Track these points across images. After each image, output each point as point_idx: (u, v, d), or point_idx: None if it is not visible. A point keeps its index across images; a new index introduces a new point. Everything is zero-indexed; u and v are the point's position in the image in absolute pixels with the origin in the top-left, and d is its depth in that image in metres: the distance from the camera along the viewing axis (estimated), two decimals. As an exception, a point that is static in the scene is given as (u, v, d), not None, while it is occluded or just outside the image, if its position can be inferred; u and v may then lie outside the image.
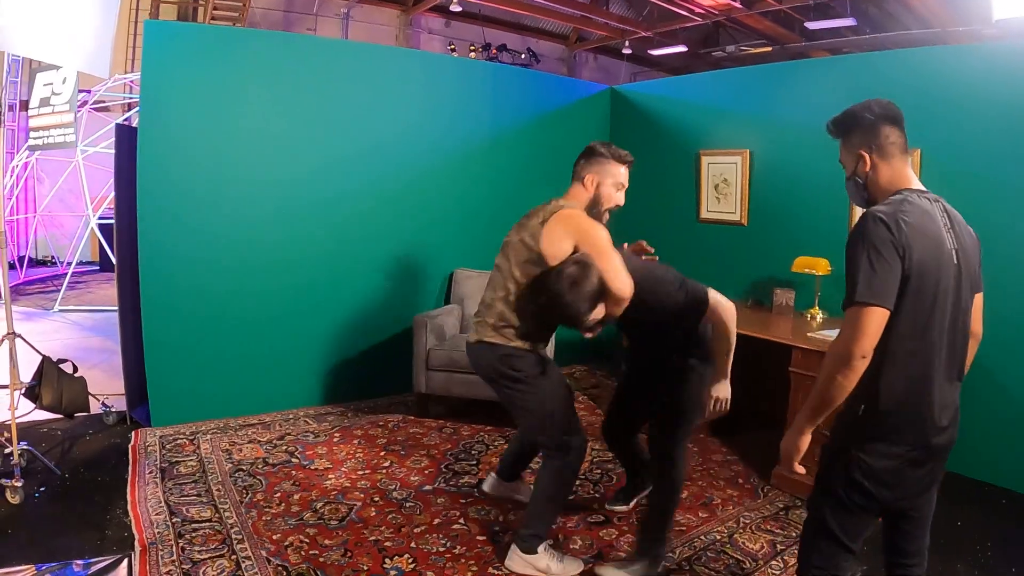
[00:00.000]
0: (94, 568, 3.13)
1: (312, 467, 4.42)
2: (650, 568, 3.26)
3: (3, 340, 4.30)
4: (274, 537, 3.52)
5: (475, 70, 6.56)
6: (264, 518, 3.71)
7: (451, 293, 6.06)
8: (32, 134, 9.44)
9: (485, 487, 4.02)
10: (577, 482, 4.25)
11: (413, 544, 3.52)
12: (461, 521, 3.79)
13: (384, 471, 4.40)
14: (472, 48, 16.31)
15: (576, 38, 18.74)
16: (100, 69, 4.51)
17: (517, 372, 3.26)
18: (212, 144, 4.92)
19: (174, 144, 4.77)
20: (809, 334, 4.34)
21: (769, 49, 15.96)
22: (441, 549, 3.49)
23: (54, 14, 4.14)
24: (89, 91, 10.70)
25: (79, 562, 3.18)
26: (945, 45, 7.90)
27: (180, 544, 3.40)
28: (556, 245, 3.10)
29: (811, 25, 13.80)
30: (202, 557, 3.30)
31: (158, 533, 3.49)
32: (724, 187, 5.87)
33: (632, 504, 3.97)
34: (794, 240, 5.26)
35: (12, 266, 11.46)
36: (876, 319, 2.00)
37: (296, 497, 3.99)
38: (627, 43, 17.13)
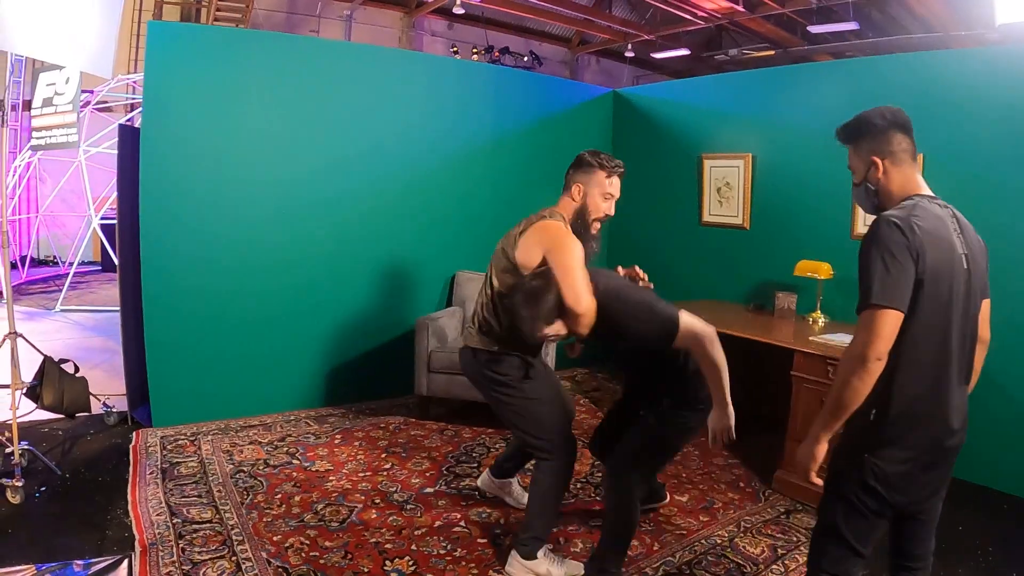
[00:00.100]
0: (94, 568, 3.13)
1: (313, 469, 4.42)
2: None
3: (5, 340, 4.30)
4: (275, 538, 3.51)
5: (477, 72, 6.57)
6: (265, 519, 3.71)
7: (453, 295, 6.05)
8: (35, 134, 9.45)
9: (479, 482, 4.08)
10: (578, 485, 4.27)
11: (414, 546, 3.52)
12: (462, 524, 3.78)
13: (385, 473, 4.40)
14: (474, 51, 16.31)
15: (579, 41, 18.74)
16: (103, 69, 4.51)
17: (500, 376, 3.31)
18: (215, 145, 4.92)
19: (177, 145, 4.78)
20: (811, 338, 4.34)
21: (772, 53, 15.97)
22: (442, 552, 3.49)
23: (57, 14, 4.14)
24: (92, 91, 10.70)
25: (79, 562, 3.18)
26: (948, 49, 7.91)
27: (180, 545, 3.40)
28: (527, 255, 3.14)
29: (814, 29, 13.80)
30: (202, 558, 3.29)
31: (158, 534, 3.49)
32: (726, 191, 5.86)
33: (667, 499, 3.98)
34: (796, 244, 5.26)
35: (14, 266, 11.46)
36: (891, 321, 2.01)
37: (297, 499, 3.98)
38: (630, 46, 17.12)
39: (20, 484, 3.78)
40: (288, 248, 5.23)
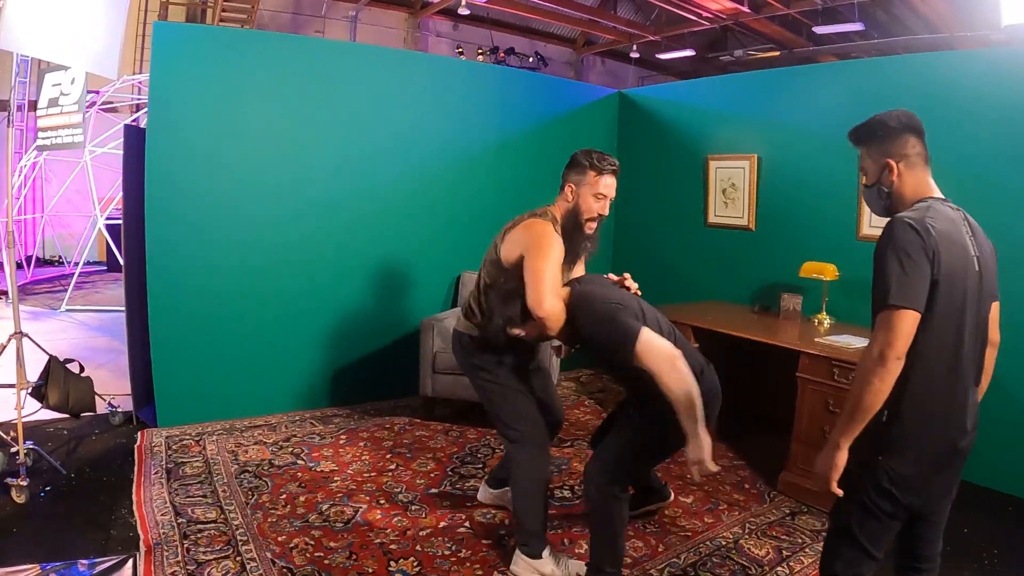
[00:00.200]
0: (99, 568, 3.13)
1: (318, 469, 4.42)
2: None
3: (10, 339, 4.30)
4: (279, 539, 3.52)
5: (483, 73, 6.56)
6: (269, 519, 3.71)
7: (458, 296, 6.05)
8: (40, 134, 9.48)
9: (479, 496, 4.06)
10: (582, 486, 4.26)
11: (418, 547, 3.52)
12: (467, 524, 3.78)
13: (390, 474, 4.40)
14: (480, 51, 16.31)
15: (584, 42, 18.73)
16: (109, 70, 4.51)
17: (479, 361, 3.41)
18: (220, 145, 4.92)
19: (182, 145, 4.78)
20: (816, 339, 4.33)
21: (777, 53, 15.95)
22: (446, 552, 3.49)
23: (63, 15, 4.15)
24: (97, 92, 10.73)
25: (84, 562, 3.18)
26: (953, 50, 7.90)
27: (185, 545, 3.40)
28: (510, 251, 3.20)
29: (819, 29, 13.78)
30: (207, 558, 3.30)
31: (163, 533, 3.49)
32: (732, 192, 5.86)
33: (639, 511, 3.88)
34: (802, 245, 5.25)
35: (19, 266, 11.50)
36: (909, 321, 2.02)
37: (302, 499, 3.98)
38: (635, 47, 17.12)
39: (25, 483, 3.79)
40: (293, 249, 5.23)
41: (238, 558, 3.31)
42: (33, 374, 4.46)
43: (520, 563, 3.32)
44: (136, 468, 4.29)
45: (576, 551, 3.53)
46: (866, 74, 5.04)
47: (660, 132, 6.55)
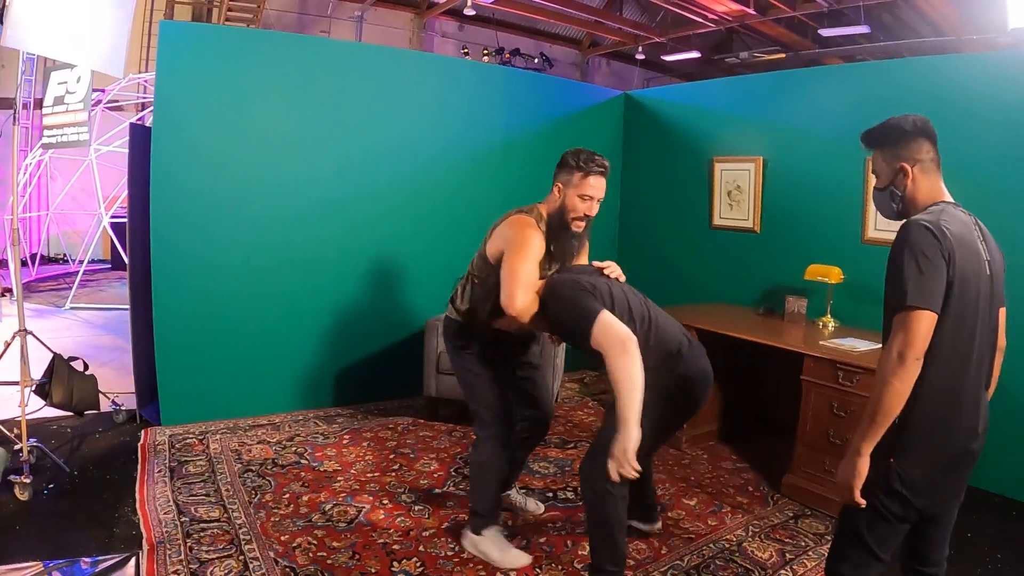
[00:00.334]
0: (102, 566, 3.13)
1: (321, 469, 4.42)
2: None
3: (14, 337, 4.31)
4: (282, 538, 3.51)
5: (488, 74, 6.56)
6: (272, 519, 3.71)
7: (461, 296, 6.03)
8: (46, 132, 9.48)
9: None
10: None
11: (421, 547, 3.51)
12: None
13: (393, 474, 4.40)
14: (485, 52, 16.31)
15: (589, 43, 18.74)
16: (115, 69, 4.52)
17: (455, 343, 3.55)
18: (225, 145, 4.93)
19: (187, 144, 4.78)
20: (821, 342, 4.31)
21: (782, 56, 15.95)
22: (449, 553, 3.48)
23: (69, 13, 4.15)
24: (103, 90, 10.74)
25: (87, 560, 3.17)
26: (959, 53, 7.88)
27: (188, 544, 3.40)
28: (494, 246, 3.30)
29: (825, 32, 13.77)
30: (210, 557, 3.29)
31: (166, 532, 3.49)
32: (737, 194, 5.85)
33: (659, 525, 3.79)
34: (807, 248, 5.24)
35: (24, 263, 11.51)
36: (927, 322, 2.02)
37: (305, 498, 3.98)
38: (640, 48, 17.12)
39: (28, 481, 3.79)
40: (298, 248, 5.23)
41: (241, 557, 3.31)
42: (37, 372, 4.47)
43: (467, 537, 3.52)
44: (139, 466, 4.29)
45: (580, 552, 3.52)
46: (872, 77, 5.03)
47: (665, 134, 6.54)
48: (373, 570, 3.28)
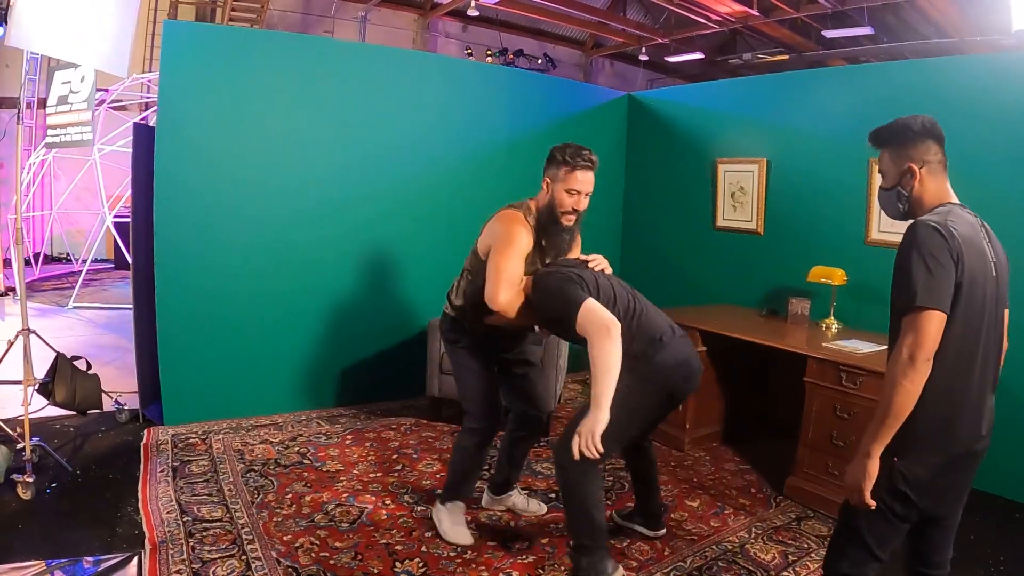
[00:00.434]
0: (104, 565, 3.14)
1: (324, 469, 4.42)
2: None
3: (18, 336, 4.32)
4: (285, 538, 3.51)
5: (492, 74, 6.56)
6: (275, 519, 3.71)
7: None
8: (50, 132, 9.50)
9: (484, 503, 4.03)
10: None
11: (424, 548, 3.51)
12: (472, 526, 3.76)
13: (396, 474, 4.40)
14: (489, 53, 16.30)
15: (593, 44, 18.73)
16: (118, 68, 4.52)
17: (448, 337, 3.64)
18: (229, 145, 4.93)
19: (191, 144, 4.78)
20: (824, 344, 4.31)
21: (786, 57, 15.93)
22: (452, 554, 3.48)
23: (73, 13, 4.15)
24: (107, 90, 10.75)
25: (89, 559, 3.18)
26: (963, 55, 7.87)
27: (190, 543, 3.40)
28: (483, 241, 3.39)
29: (828, 33, 13.74)
30: (212, 557, 3.29)
31: (168, 532, 3.49)
32: (740, 195, 5.84)
33: (662, 533, 3.75)
34: (810, 249, 5.24)
35: (27, 262, 11.51)
36: (936, 323, 2.02)
37: (307, 499, 3.98)
38: (644, 50, 17.11)
39: (31, 480, 3.79)
40: (301, 249, 5.23)
41: (243, 557, 3.31)
42: (40, 371, 4.47)
43: (435, 504, 3.77)
44: (142, 466, 4.29)
45: (582, 554, 3.52)
46: (876, 78, 5.03)
47: (669, 135, 6.53)
48: (376, 570, 3.28)
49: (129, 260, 5.35)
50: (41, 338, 4.59)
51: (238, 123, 4.95)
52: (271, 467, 4.38)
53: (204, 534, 3.50)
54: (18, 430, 4.12)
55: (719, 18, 14.34)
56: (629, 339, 2.99)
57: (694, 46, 16.62)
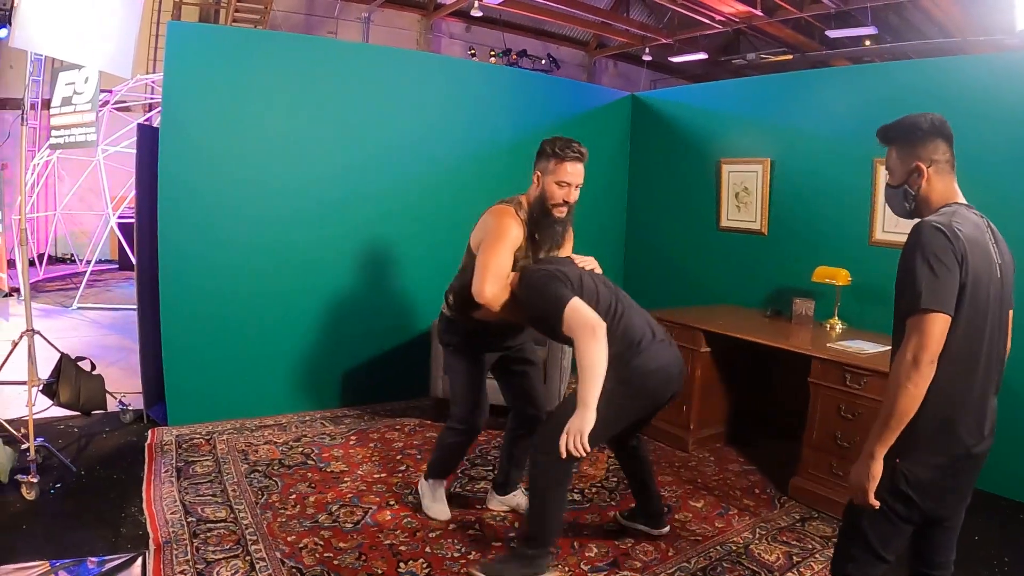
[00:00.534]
0: (108, 566, 3.13)
1: (328, 469, 4.41)
2: (520, 568, 3.22)
3: (22, 337, 4.32)
4: (289, 539, 3.51)
5: (495, 75, 6.56)
6: (279, 519, 3.71)
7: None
8: (54, 133, 9.52)
9: (488, 504, 4.03)
10: (593, 489, 4.26)
11: (428, 549, 3.51)
12: (476, 526, 3.77)
13: (400, 475, 4.39)
14: (492, 53, 16.32)
15: (596, 44, 18.74)
16: (122, 69, 4.53)
17: (443, 338, 3.70)
18: (233, 145, 4.93)
19: (195, 145, 4.79)
20: (828, 344, 4.30)
21: (790, 57, 15.92)
22: (456, 555, 3.47)
23: (77, 14, 4.16)
24: (111, 91, 10.77)
25: (93, 559, 3.18)
26: (967, 55, 7.87)
27: (195, 544, 3.40)
28: (475, 236, 3.47)
29: (832, 34, 13.74)
30: (216, 557, 3.29)
31: (173, 532, 3.49)
32: (744, 196, 5.83)
33: (665, 531, 3.75)
34: (814, 250, 5.23)
35: (32, 263, 11.54)
36: (940, 325, 2.02)
37: (311, 499, 3.98)
38: (647, 50, 17.11)
39: (35, 480, 3.80)
40: (305, 249, 5.23)
41: (247, 558, 3.31)
42: (45, 371, 4.48)
43: (421, 480, 3.94)
44: (146, 466, 4.29)
45: (586, 554, 3.52)
46: (879, 78, 5.02)
47: (673, 135, 6.53)
48: (379, 571, 3.28)
49: (133, 261, 5.36)
50: (45, 339, 4.60)
51: (242, 124, 4.95)
52: (275, 468, 4.38)
53: (208, 535, 3.50)
54: (22, 430, 4.12)
55: (723, 18, 14.33)
56: (609, 342, 3.01)
57: (698, 46, 16.62)
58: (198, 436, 4.81)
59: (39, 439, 4.12)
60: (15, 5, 3.93)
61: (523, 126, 6.15)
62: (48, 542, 3.36)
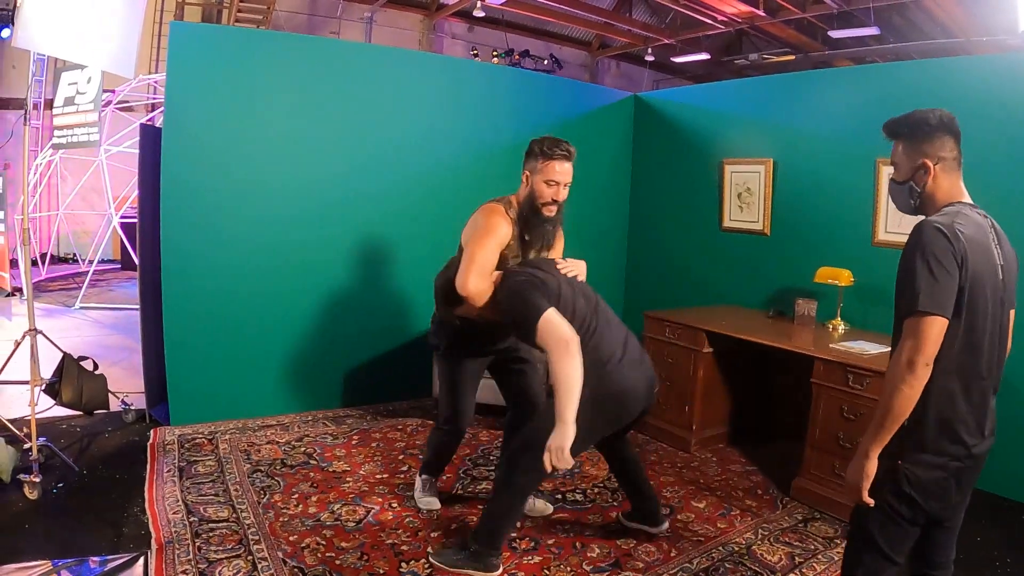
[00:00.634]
0: (110, 565, 3.14)
1: (330, 469, 4.42)
2: (470, 562, 3.27)
3: (24, 336, 4.32)
4: (291, 538, 3.51)
5: (498, 75, 6.55)
6: (281, 519, 3.71)
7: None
8: (56, 133, 9.52)
9: None
10: (595, 489, 4.26)
11: (430, 548, 3.50)
12: (478, 526, 3.77)
13: (402, 475, 4.39)
14: (495, 53, 16.31)
15: (599, 45, 18.72)
16: (125, 69, 4.53)
17: (431, 339, 3.81)
18: (235, 145, 4.93)
19: (198, 145, 4.79)
20: (831, 345, 4.30)
21: (792, 57, 15.91)
22: (457, 554, 3.47)
23: (80, 14, 4.16)
24: (113, 91, 10.77)
25: (95, 559, 3.18)
26: (970, 55, 7.86)
27: (197, 543, 3.40)
28: (464, 234, 3.49)
29: (834, 34, 13.73)
30: (218, 557, 3.30)
31: (175, 532, 3.49)
32: (747, 196, 5.83)
33: (664, 527, 3.75)
34: (817, 250, 5.23)
35: (34, 263, 11.53)
36: (937, 328, 2.01)
37: (314, 499, 3.98)
38: (650, 50, 17.10)
39: (38, 480, 3.80)
40: (307, 250, 5.23)
41: (249, 557, 3.31)
42: (47, 371, 4.48)
43: (417, 475, 4.04)
44: (148, 466, 4.30)
45: (588, 554, 3.51)
46: (882, 79, 5.01)
47: (675, 136, 6.53)
48: (381, 571, 3.28)
49: (136, 261, 5.36)
50: (48, 338, 4.60)
51: (244, 124, 4.95)
52: (277, 467, 4.39)
53: (210, 534, 3.50)
54: (25, 430, 4.12)
55: (725, 18, 14.33)
56: (582, 354, 3.03)
57: (700, 47, 16.60)
58: (200, 436, 4.81)
59: (41, 439, 4.12)
60: (18, 5, 3.94)
61: (525, 126, 6.13)
62: (50, 542, 3.37)
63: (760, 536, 3.78)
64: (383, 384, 5.75)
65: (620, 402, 3.17)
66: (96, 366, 4.76)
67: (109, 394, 4.76)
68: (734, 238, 6.00)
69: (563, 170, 3.38)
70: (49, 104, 10.29)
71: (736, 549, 3.63)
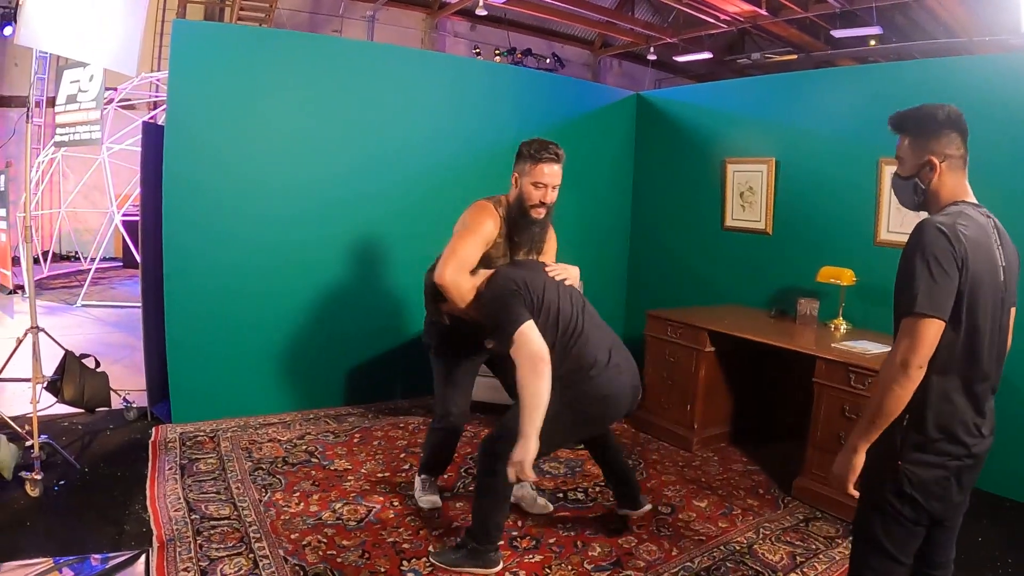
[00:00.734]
0: (112, 563, 3.14)
1: (331, 467, 4.42)
2: (470, 560, 3.29)
3: (26, 334, 4.33)
4: (292, 536, 3.51)
5: (500, 74, 6.56)
6: (283, 517, 3.71)
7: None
8: (58, 130, 9.52)
9: None
10: (597, 488, 4.25)
11: (431, 547, 3.50)
12: (479, 525, 3.77)
13: (404, 473, 4.39)
14: (497, 52, 16.31)
15: (601, 43, 18.73)
16: (127, 67, 4.54)
17: (424, 338, 3.91)
18: (237, 144, 4.93)
19: (200, 143, 4.79)
20: (833, 344, 4.29)
21: (794, 57, 15.90)
22: (458, 553, 3.47)
23: (82, 12, 4.17)
24: (116, 89, 10.77)
25: (97, 556, 3.19)
26: (972, 55, 7.86)
27: (198, 541, 3.40)
28: (454, 229, 3.46)
29: (837, 33, 13.72)
30: (220, 554, 3.30)
31: (176, 529, 3.49)
32: (749, 195, 5.83)
33: (647, 508, 3.80)
34: (819, 250, 5.22)
35: (36, 261, 11.55)
36: (934, 330, 2.00)
37: (315, 497, 3.98)
38: (652, 49, 17.10)
39: (39, 477, 3.80)
40: (309, 248, 5.23)
41: (251, 555, 3.31)
42: (49, 369, 4.49)
43: (416, 475, 4.05)
44: (150, 464, 4.30)
45: (589, 553, 3.51)
46: (884, 78, 5.01)
47: (677, 135, 6.52)
48: (383, 569, 3.28)
49: (137, 258, 5.36)
50: (50, 336, 4.60)
51: (247, 122, 4.95)
52: (279, 465, 4.39)
53: (212, 532, 3.50)
54: (26, 427, 4.13)
55: (727, 18, 14.33)
56: (561, 360, 3.07)
57: (702, 46, 16.60)
58: (202, 433, 4.81)
59: (43, 436, 4.12)
60: (20, 3, 3.94)
61: (528, 125, 6.12)
62: (52, 539, 3.37)
63: (761, 535, 3.78)
64: (384, 382, 5.75)
65: (603, 407, 3.18)
66: (98, 364, 4.76)
67: (111, 392, 4.77)
68: (736, 237, 6.00)
69: (551, 172, 3.38)
70: (51, 102, 10.31)
71: (737, 548, 3.63)
